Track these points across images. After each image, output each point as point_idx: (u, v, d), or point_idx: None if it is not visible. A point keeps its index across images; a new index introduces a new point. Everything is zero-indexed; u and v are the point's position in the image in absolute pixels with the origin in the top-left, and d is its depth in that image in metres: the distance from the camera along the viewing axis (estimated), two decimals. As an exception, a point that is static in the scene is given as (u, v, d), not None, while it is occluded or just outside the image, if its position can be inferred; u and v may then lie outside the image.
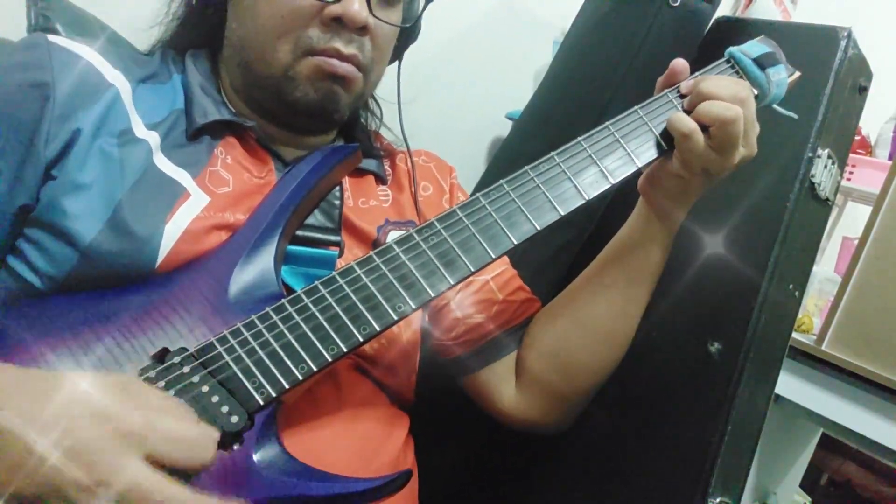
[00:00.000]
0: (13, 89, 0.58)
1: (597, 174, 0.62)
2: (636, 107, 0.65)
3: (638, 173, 0.65)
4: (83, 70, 0.60)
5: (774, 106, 0.70)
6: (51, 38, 0.61)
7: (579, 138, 0.63)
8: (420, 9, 0.73)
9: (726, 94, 0.61)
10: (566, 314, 0.74)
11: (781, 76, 0.68)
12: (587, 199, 0.61)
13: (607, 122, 0.64)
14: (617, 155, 0.63)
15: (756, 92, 0.67)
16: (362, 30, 0.64)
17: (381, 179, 0.76)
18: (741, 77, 0.68)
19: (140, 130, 0.61)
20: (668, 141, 0.64)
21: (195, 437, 0.43)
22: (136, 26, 0.76)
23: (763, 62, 0.67)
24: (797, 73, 0.71)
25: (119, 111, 0.60)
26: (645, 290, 0.71)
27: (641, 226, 0.70)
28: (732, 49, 0.69)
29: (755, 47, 0.69)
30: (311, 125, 0.69)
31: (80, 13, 0.82)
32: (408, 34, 0.76)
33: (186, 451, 0.42)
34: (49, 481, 0.37)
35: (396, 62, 0.79)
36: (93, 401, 0.40)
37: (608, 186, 0.62)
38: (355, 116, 0.80)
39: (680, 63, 0.66)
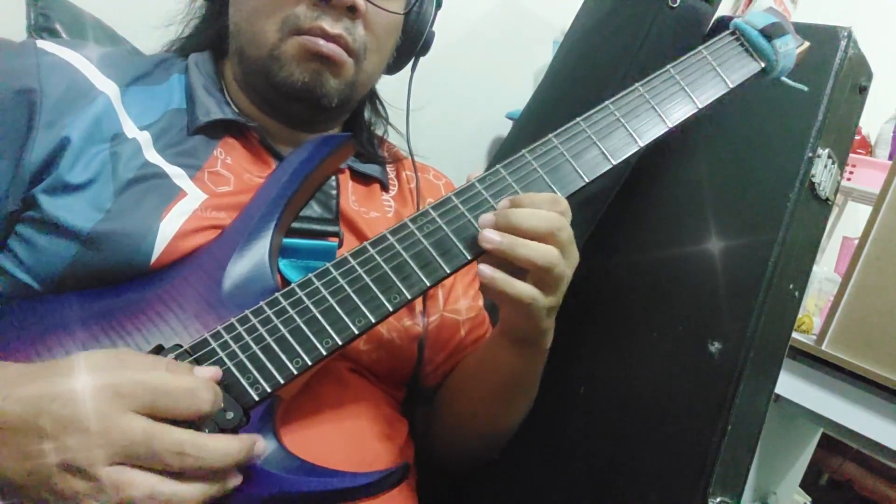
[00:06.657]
0: (1, 97, 0.57)
1: (598, 155, 0.60)
2: (638, 85, 0.63)
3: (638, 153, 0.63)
4: (71, 76, 0.60)
5: (783, 78, 0.67)
6: (40, 43, 0.61)
7: (578, 119, 0.62)
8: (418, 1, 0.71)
9: (542, 227, 0.54)
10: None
11: (789, 47, 0.65)
12: (586, 181, 0.60)
13: (607, 101, 0.63)
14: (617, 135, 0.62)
15: (763, 65, 0.65)
16: (352, 11, 0.63)
17: (384, 187, 0.75)
18: (747, 49, 0.65)
19: (131, 131, 0.61)
20: None
21: (188, 385, 0.43)
22: (139, 25, 0.76)
23: (769, 33, 0.65)
24: (806, 44, 0.68)
25: (110, 117, 0.60)
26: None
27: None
28: (737, 20, 0.66)
29: (761, 18, 0.66)
30: (303, 112, 0.68)
31: (80, 13, 0.82)
32: (414, 39, 0.74)
33: (179, 399, 0.42)
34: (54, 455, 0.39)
35: (409, 72, 0.77)
36: (86, 374, 0.41)
37: (609, 167, 0.60)
38: (359, 117, 0.79)
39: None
